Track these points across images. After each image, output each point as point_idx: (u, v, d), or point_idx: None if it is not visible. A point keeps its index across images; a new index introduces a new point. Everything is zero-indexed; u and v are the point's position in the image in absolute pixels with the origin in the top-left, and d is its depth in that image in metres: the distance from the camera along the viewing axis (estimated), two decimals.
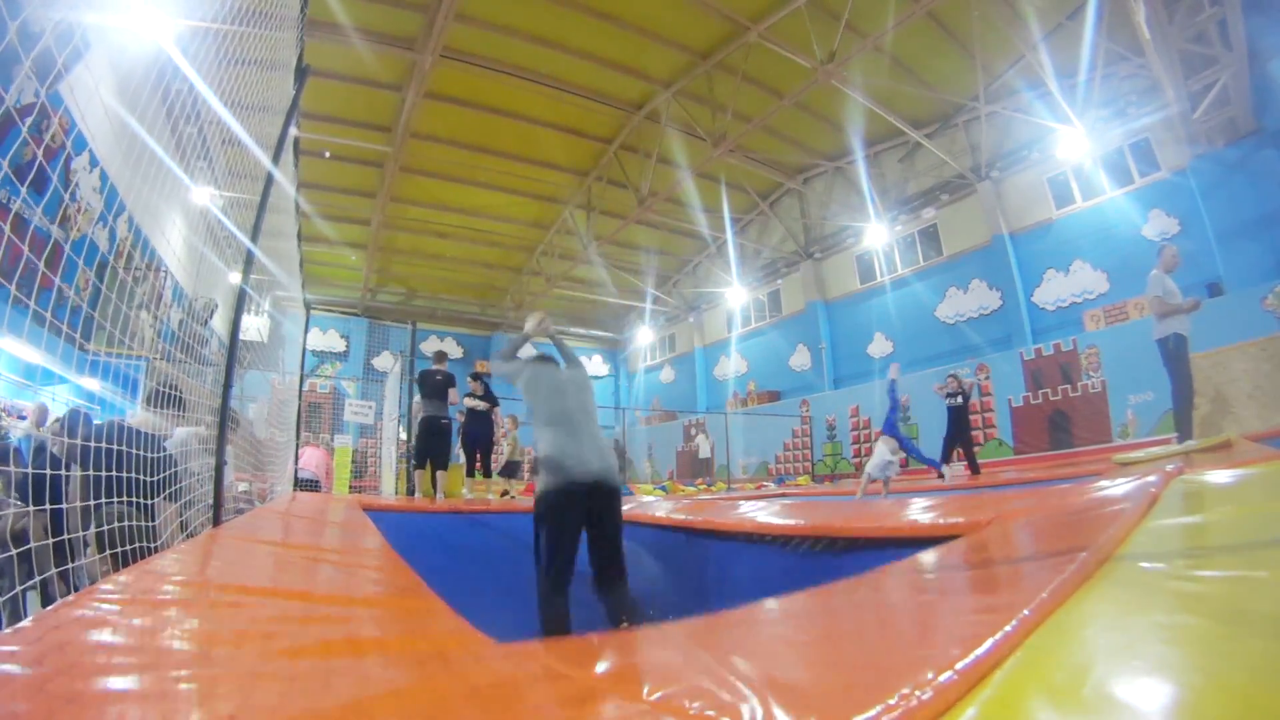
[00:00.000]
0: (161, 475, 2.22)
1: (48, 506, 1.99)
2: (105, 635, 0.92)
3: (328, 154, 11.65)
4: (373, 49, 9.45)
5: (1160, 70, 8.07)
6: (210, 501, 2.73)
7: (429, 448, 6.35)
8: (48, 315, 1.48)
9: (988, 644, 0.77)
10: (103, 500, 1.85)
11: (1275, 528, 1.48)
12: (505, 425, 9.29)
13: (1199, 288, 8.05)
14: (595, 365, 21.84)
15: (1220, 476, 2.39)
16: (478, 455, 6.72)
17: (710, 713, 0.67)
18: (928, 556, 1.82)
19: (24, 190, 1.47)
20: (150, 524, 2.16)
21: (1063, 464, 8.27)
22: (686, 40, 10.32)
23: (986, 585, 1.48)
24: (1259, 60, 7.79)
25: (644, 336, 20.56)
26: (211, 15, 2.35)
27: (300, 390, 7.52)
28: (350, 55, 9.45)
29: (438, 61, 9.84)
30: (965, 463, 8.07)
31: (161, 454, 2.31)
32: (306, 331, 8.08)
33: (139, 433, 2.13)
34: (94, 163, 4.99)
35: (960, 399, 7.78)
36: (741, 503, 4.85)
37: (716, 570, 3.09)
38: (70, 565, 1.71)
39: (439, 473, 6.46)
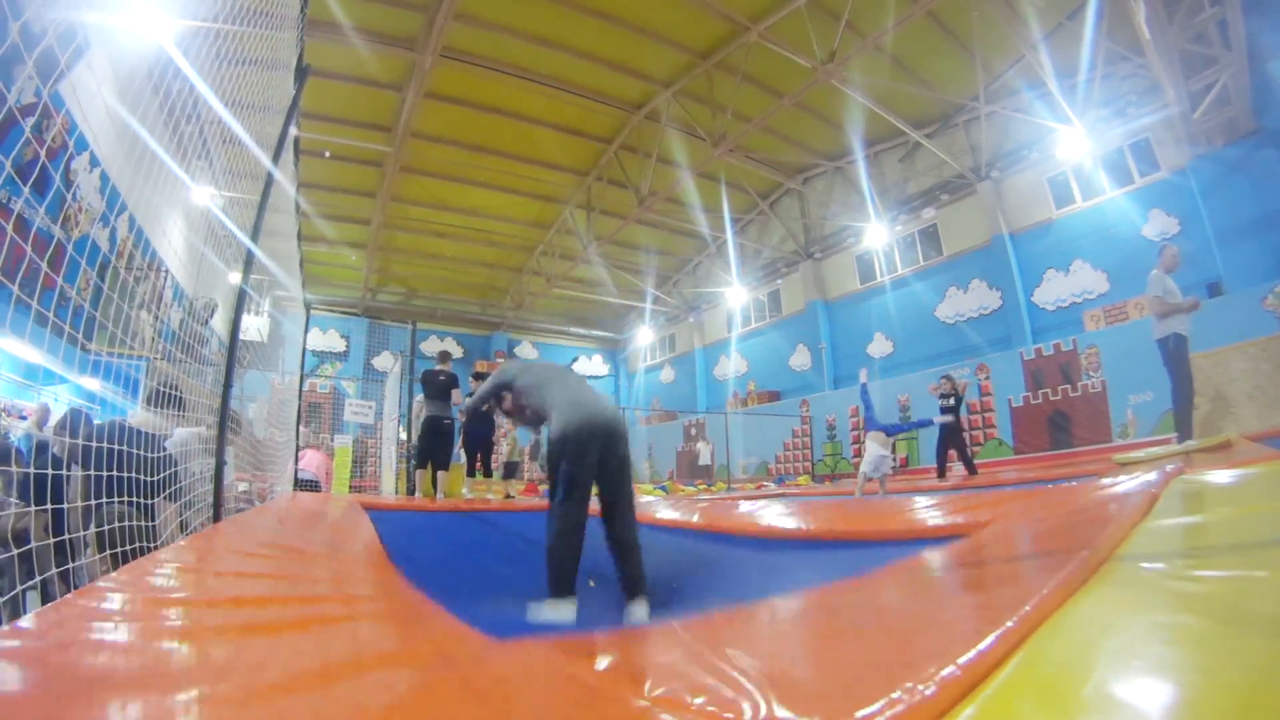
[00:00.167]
0: (161, 475, 2.22)
1: (49, 506, 2.00)
2: (104, 634, 0.92)
3: (328, 154, 11.65)
4: (373, 49, 9.45)
5: (1160, 70, 8.07)
6: (210, 501, 2.73)
7: (431, 447, 6.35)
8: (50, 315, 1.48)
9: (988, 643, 0.77)
10: (103, 500, 1.85)
11: (1275, 528, 1.48)
12: (505, 425, 9.29)
13: (1199, 288, 8.05)
14: (595, 365, 21.88)
15: (1220, 476, 2.39)
16: (478, 455, 6.72)
17: (712, 709, 0.67)
18: (929, 557, 1.82)
19: (26, 190, 1.47)
20: (150, 524, 2.16)
21: (1063, 464, 8.27)
22: (686, 40, 10.31)
23: (987, 585, 1.48)
24: (1259, 60, 7.79)
25: (644, 336, 20.57)
26: (211, 15, 2.35)
27: (300, 390, 7.52)
28: (350, 55, 9.45)
29: (438, 61, 9.84)
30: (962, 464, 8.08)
31: (162, 454, 2.32)
32: (306, 331, 8.08)
33: (139, 433, 2.14)
34: (95, 163, 4.99)
35: (954, 400, 7.82)
36: (741, 503, 4.85)
37: (718, 569, 3.10)
38: (70, 565, 1.71)
39: (439, 473, 6.47)
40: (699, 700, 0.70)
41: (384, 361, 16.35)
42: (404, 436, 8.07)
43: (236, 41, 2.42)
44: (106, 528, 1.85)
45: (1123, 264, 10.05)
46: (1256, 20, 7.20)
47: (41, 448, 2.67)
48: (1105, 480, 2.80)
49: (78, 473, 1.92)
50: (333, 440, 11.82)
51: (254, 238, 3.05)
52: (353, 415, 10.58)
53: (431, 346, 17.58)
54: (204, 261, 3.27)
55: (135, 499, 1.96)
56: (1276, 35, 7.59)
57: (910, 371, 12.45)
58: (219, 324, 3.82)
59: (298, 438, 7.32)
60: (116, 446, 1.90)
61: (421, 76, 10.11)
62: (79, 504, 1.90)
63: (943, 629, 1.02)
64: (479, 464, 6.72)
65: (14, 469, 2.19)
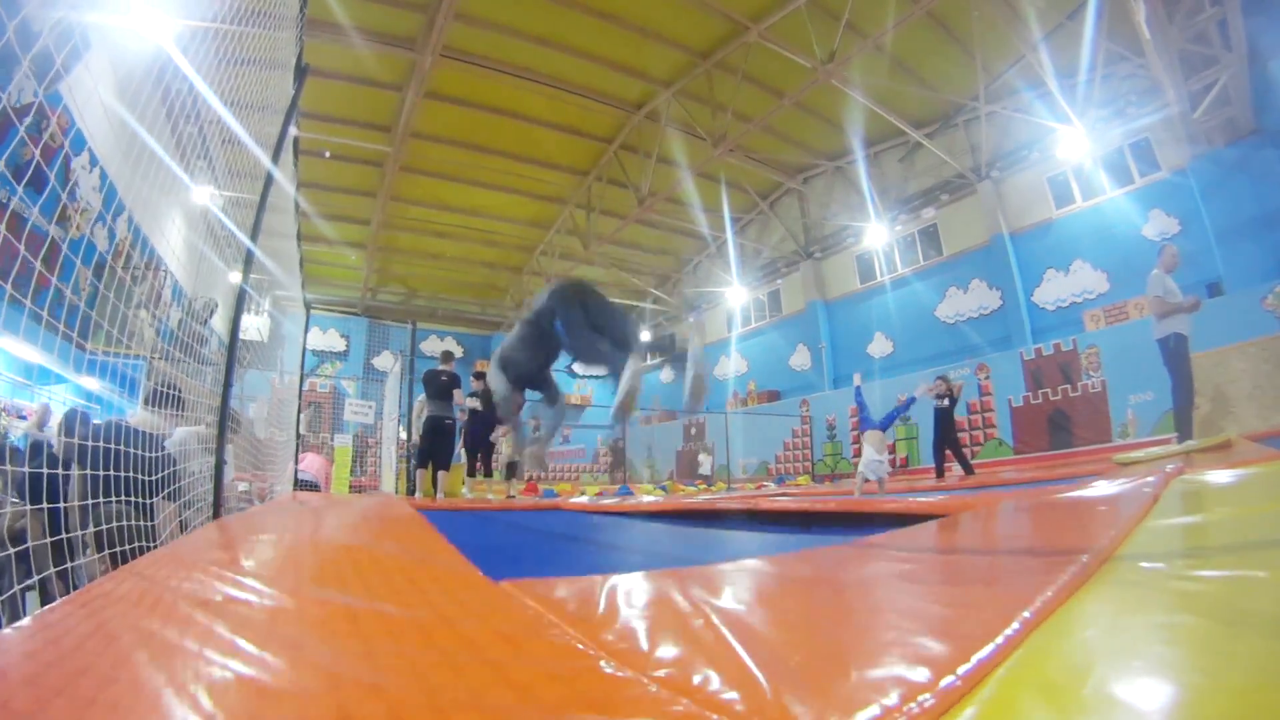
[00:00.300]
0: (160, 475, 2.22)
1: (45, 505, 1.99)
2: (104, 633, 0.92)
3: (328, 154, 11.66)
4: (373, 49, 9.45)
5: (1160, 70, 8.07)
6: (210, 501, 2.73)
7: (433, 447, 6.36)
8: (44, 314, 1.48)
9: (989, 643, 0.77)
10: (101, 500, 1.85)
11: (1275, 528, 1.48)
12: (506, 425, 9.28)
13: (1199, 288, 8.04)
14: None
15: (1220, 476, 2.39)
16: (479, 455, 6.73)
17: (715, 688, 0.67)
18: (930, 556, 1.82)
19: (20, 189, 1.47)
20: (149, 523, 2.16)
21: (1062, 464, 8.27)
22: (686, 40, 10.32)
23: (987, 585, 1.48)
24: (1259, 60, 7.79)
25: (643, 336, 20.57)
26: (211, 15, 2.35)
27: (300, 390, 7.52)
28: (350, 55, 9.46)
29: (438, 61, 9.84)
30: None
31: (161, 453, 2.32)
32: (306, 331, 8.07)
33: (138, 432, 2.14)
34: (94, 162, 4.99)
35: (948, 401, 7.83)
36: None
37: (719, 553, 3.09)
38: (69, 565, 1.71)
39: (440, 472, 6.47)
40: (699, 678, 0.70)
41: (384, 361, 16.35)
42: (404, 436, 8.07)
43: (236, 41, 2.42)
44: (105, 527, 1.85)
45: (1123, 264, 10.05)
46: (1256, 20, 7.20)
47: (37, 447, 2.67)
48: (1105, 480, 2.80)
49: (76, 472, 1.92)
50: (333, 440, 11.82)
51: (253, 237, 3.05)
52: (353, 415, 10.58)
53: (431, 346, 17.60)
54: (203, 261, 3.27)
55: (134, 498, 1.96)
56: (1276, 35, 7.58)
57: (910, 371, 12.45)
58: (219, 324, 3.82)
59: (298, 438, 7.32)
60: (115, 446, 1.90)
61: (421, 76, 10.11)
62: (77, 503, 1.89)
63: (944, 629, 1.02)
64: (479, 464, 6.72)
65: (8, 468, 2.18)
